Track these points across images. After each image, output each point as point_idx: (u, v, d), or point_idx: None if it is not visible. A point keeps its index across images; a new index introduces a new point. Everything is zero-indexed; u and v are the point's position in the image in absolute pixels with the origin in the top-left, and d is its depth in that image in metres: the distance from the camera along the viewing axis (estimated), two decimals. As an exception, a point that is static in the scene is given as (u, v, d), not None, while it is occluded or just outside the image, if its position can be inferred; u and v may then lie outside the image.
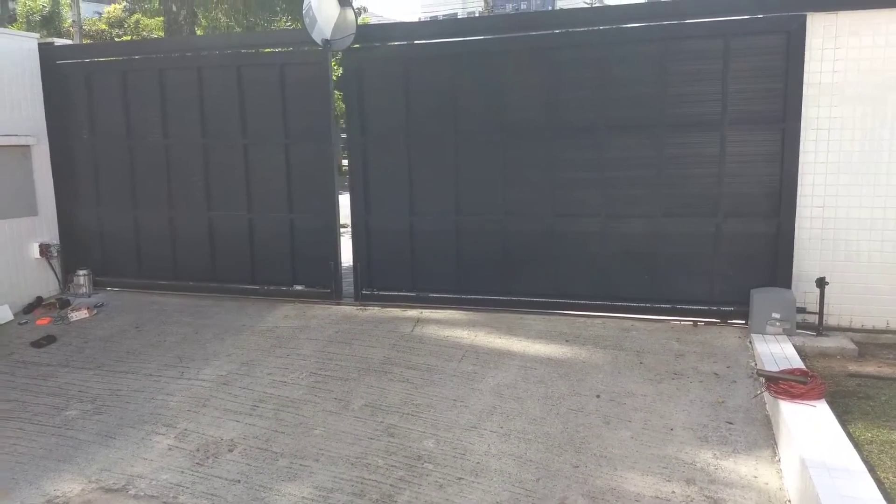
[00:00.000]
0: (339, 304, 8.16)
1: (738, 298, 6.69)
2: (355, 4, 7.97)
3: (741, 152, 6.64)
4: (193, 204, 8.70)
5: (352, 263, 8.22)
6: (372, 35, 8.19)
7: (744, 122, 6.60)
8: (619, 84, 6.95)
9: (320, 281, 8.31)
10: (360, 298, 8.09)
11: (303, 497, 4.23)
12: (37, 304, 8.44)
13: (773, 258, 6.63)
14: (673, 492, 4.11)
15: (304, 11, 7.59)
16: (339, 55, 8.30)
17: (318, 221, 8.28)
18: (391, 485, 4.32)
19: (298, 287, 8.43)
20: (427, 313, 7.58)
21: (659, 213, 6.94)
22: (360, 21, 8.18)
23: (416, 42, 7.96)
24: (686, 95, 6.76)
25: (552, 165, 7.26)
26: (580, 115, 7.10)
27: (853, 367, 5.60)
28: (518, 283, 7.50)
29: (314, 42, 7.69)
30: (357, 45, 7.80)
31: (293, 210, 8.38)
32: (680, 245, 6.89)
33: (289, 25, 13.97)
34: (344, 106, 8.00)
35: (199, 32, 13.54)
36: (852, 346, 6.02)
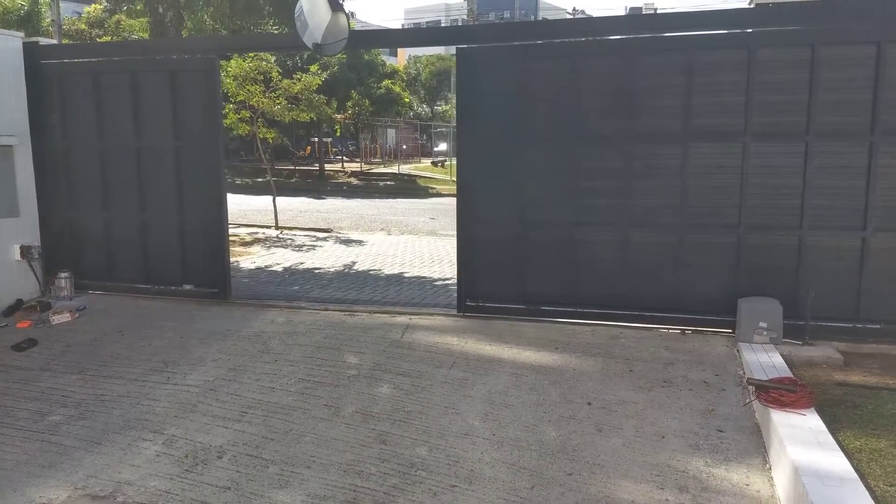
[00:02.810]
0: (226, 304, 8.37)
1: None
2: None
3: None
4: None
5: (456, 274, 8.00)
6: (481, 35, 8.13)
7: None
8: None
9: (209, 281, 8.55)
10: (464, 310, 7.75)
11: (295, 504, 4.19)
12: (17, 307, 8.28)
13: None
14: (666, 500, 4.12)
15: (295, 15, 7.56)
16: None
17: (207, 223, 8.49)
18: (385, 492, 4.29)
19: (187, 287, 8.66)
20: (416, 319, 7.56)
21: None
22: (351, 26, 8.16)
23: (535, 42, 7.73)
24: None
25: (686, 171, 6.94)
26: (720, 119, 6.81)
27: (839, 376, 5.68)
28: (641, 297, 7.14)
29: (304, 46, 7.67)
30: (469, 45, 7.65)
31: (183, 211, 8.59)
32: None
33: (275, 30, 13.92)
34: (456, 109, 7.88)
35: (184, 34, 13.43)
36: (838, 355, 6.10)
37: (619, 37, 7.42)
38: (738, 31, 6.88)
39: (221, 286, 8.62)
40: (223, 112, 16.70)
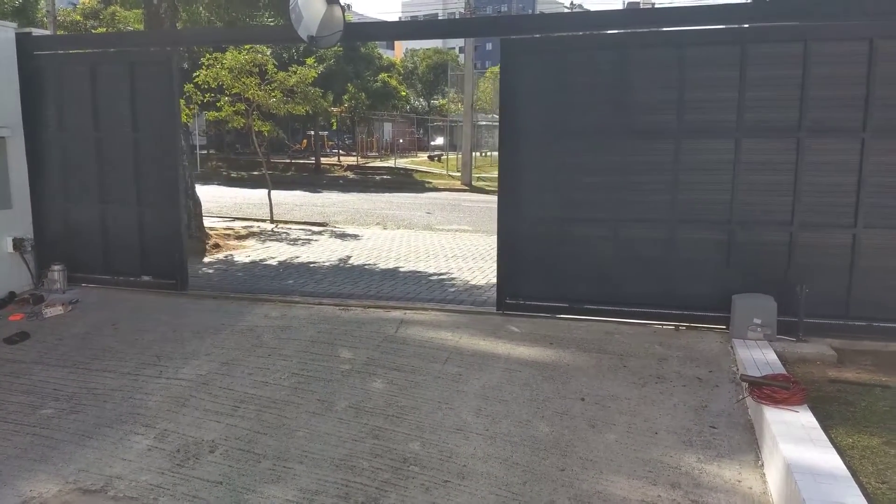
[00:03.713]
0: (183, 295, 8.53)
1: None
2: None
3: None
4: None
5: (496, 270, 7.84)
6: (525, 26, 7.96)
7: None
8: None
9: (166, 273, 8.69)
10: (504, 308, 7.61)
11: (287, 500, 4.17)
12: (9, 300, 8.24)
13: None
14: (659, 496, 4.12)
15: (290, 7, 7.50)
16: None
17: (164, 215, 8.60)
18: (377, 487, 4.28)
19: (146, 278, 8.78)
20: (411, 314, 7.54)
21: None
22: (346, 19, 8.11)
23: (579, 33, 7.59)
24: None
25: (733, 167, 6.79)
26: (774, 114, 6.66)
27: (833, 373, 5.68)
28: (686, 296, 6.99)
29: (299, 38, 7.62)
30: (510, 37, 7.51)
31: (141, 203, 8.72)
32: None
33: (271, 21, 13.83)
34: (499, 102, 7.69)
35: (179, 26, 13.33)
36: (831, 352, 6.11)
37: (670, 28, 7.22)
38: (797, 23, 6.71)
39: (179, 278, 8.73)
40: (219, 105, 16.76)
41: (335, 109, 35.47)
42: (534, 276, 7.51)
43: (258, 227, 15.68)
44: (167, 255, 8.68)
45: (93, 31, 24.17)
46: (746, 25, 6.86)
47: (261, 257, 11.80)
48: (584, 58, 7.23)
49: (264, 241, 13.70)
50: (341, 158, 39.31)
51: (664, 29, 7.28)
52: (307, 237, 14.30)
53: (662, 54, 6.95)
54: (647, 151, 7.04)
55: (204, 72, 15.74)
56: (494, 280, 9.60)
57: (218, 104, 16.86)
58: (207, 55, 16.06)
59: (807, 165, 6.61)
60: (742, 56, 6.66)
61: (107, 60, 8.84)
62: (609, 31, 7.44)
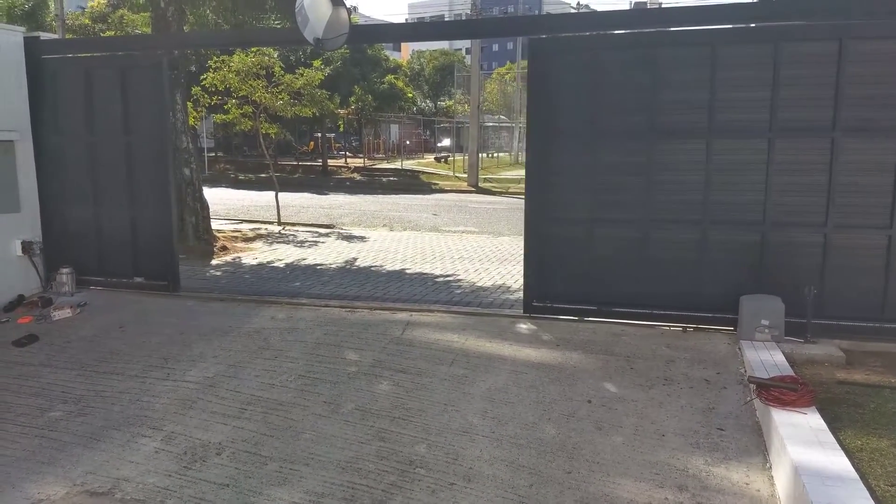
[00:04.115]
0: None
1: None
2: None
3: None
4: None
5: (523, 273, 7.77)
6: (556, 25, 7.87)
7: None
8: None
9: (159, 274, 8.78)
10: (531, 311, 7.50)
11: (293, 502, 4.17)
12: (18, 303, 8.29)
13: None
14: (666, 498, 4.10)
15: (296, 10, 7.52)
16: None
17: (156, 217, 8.72)
18: (383, 490, 4.28)
19: (138, 279, 8.87)
20: (417, 316, 7.54)
21: None
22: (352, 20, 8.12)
23: (609, 32, 7.48)
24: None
25: (767, 168, 6.68)
26: (808, 113, 6.56)
27: (841, 375, 5.64)
28: (719, 298, 6.83)
29: (305, 41, 7.64)
30: (541, 36, 7.43)
31: (133, 206, 8.83)
32: None
33: (278, 24, 13.87)
34: (527, 102, 7.62)
35: (186, 29, 13.39)
36: (840, 353, 6.07)
37: (701, 27, 7.08)
38: (836, 22, 6.56)
39: (171, 279, 8.84)
40: (227, 107, 16.82)
41: (342, 111, 35.56)
42: (561, 279, 7.41)
43: (265, 229, 15.73)
44: (160, 257, 8.80)
45: (101, 34, 24.30)
46: (780, 24, 6.71)
47: (268, 259, 11.83)
48: (613, 57, 7.12)
49: (271, 243, 13.74)
50: (348, 160, 39.37)
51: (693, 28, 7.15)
52: (314, 239, 14.32)
53: (694, 53, 6.85)
54: (676, 152, 6.95)
55: (211, 75, 15.80)
56: (501, 282, 9.66)
57: (225, 107, 16.92)
58: (215, 58, 16.13)
59: (840, 165, 6.50)
60: (775, 54, 6.54)
61: (109, 64, 8.91)
62: (639, 31, 7.33)
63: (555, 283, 7.45)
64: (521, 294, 8.84)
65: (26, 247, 8.60)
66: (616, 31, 7.46)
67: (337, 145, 45.00)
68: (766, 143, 6.67)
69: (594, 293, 7.27)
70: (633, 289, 7.14)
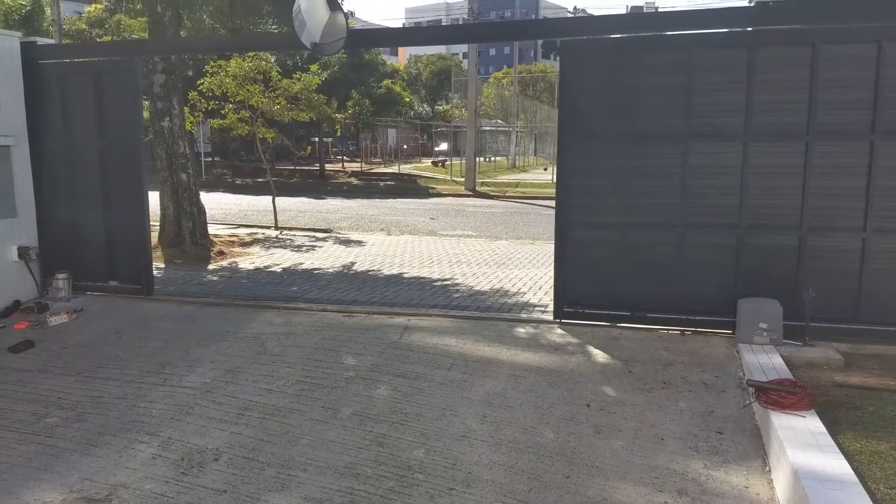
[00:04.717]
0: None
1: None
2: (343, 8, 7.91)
3: None
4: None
5: (553, 279, 7.62)
6: (582, 27, 7.83)
7: None
8: None
9: (132, 277, 8.91)
10: (562, 317, 7.40)
11: (291, 508, 4.16)
12: (14, 308, 8.26)
13: None
14: (665, 502, 4.09)
15: (293, 14, 7.52)
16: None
17: (130, 222, 8.85)
18: (381, 495, 4.26)
19: (113, 283, 8.97)
20: (415, 321, 7.53)
21: None
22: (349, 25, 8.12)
23: (646, 34, 7.31)
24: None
25: (804, 171, 6.57)
26: (846, 116, 6.47)
27: (840, 378, 5.64)
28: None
29: (302, 45, 7.64)
30: (573, 38, 7.37)
31: (108, 209, 8.92)
32: None
33: (275, 29, 13.88)
34: (558, 105, 7.51)
35: (182, 34, 13.39)
36: (838, 356, 6.07)
37: (736, 30, 6.99)
38: (875, 24, 6.46)
39: (145, 283, 8.93)
40: (224, 112, 16.81)
41: (339, 116, 35.54)
42: (592, 284, 7.30)
43: (263, 233, 15.70)
44: (133, 261, 8.92)
45: (98, 39, 24.30)
46: (820, 26, 6.62)
47: (265, 264, 11.80)
48: (646, 59, 7.02)
49: (269, 247, 13.72)
50: (345, 165, 39.38)
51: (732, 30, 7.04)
52: (311, 244, 14.30)
53: (729, 56, 6.77)
54: (712, 154, 6.87)
55: (208, 79, 15.79)
56: (499, 286, 9.65)
57: (222, 112, 16.91)
58: (212, 63, 16.12)
59: (879, 169, 6.42)
60: (813, 58, 6.47)
61: (106, 69, 8.91)
62: (673, 32, 7.20)
63: (586, 288, 7.32)
64: (519, 298, 8.86)
65: (22, 252, 8.57)
66: (649, 34, 7.31)
67: (334, 150, 45.03)
68: (803, 146, 6.57)
69: (626, 298, 7.16)
70: (667, 293, 7.01)
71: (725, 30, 7.05)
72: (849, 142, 6.52)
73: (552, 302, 7.65)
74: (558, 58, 7.65)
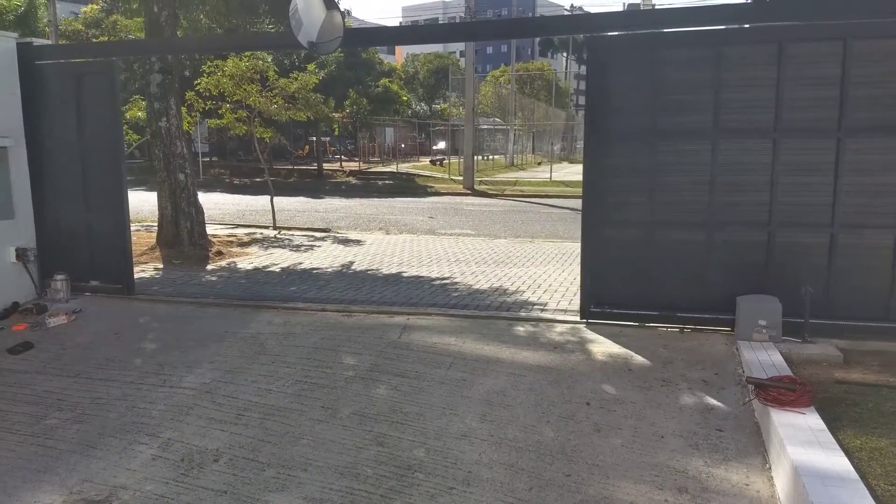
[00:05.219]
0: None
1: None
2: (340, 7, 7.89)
3: None
4: None
5: (580, 278, 7.53)
6: (607, 23, 7.67)
7: None
8: None
9: (113, 277, 9.02)
10: (588, 317, 7.33)
11: (292, 508, 4.15)
12: (13, 310, 8.24)
13: None
14: (666, 500, 4.09)
15: (290, 13, 7.50)
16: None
17: (111, 222, 8.93)
18: (381, 495, 4.25)
19: (94, 283, 9.09)
20: (414, 320, 7.52)
21: None
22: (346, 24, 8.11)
23: (674, 30, 7.21)
24: None
25: (834, 168, 6.53)
26: (867, 113, 6.43)
27: (839, 374, 5.64)
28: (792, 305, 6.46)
29: (299, 45, 7.62)
30: (600, 34, 7.27)
31: (90, 210, 9.01)
32: None
33: (271, 28, 13.88)
34: (585, 102, 7.44)
35: (179, 34, 13.37)
36: (837, 353, 6.07)
37: (768, 24, 6.86)
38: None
39: (125, 282, 9.05)
40: (221, 112, 16.80)
41: (337, 115, 35.54)
42: (620, 283, 7.23)
43: (261, 233, 15.69)
44: (114, 261, 9.01)
45: (94, 39, 24.23)
46: (851, 21, 6.51)
47: (264, 264, 11.79)
48: (675, 56, 6.93)
49: (267, 247, 13.70)
50: (343, 164, 39.36)
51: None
52: (310, 243, 14.29)
53: (758, 52, 6.70)
54: (740, 152, 6.80)
55: (205, 79, 15.77)
56: (498, 284, 9.64)
57: (220, 111, 16.88)
58: (208, 63, 16.10)
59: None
60: (844, 53, 6.41)
61: (96, 70, 8.94)
62: (704, 28, 7.12)
63: (613, 288, 7.26)
64: (518, 297, 8.86)
65: (20, 254, 8.56)
66: (676, 30, 7.22)
67: (332, 149, 45.00)
68: (834, 142, 6.53)
69: (655, 297, 7.11)
70: (699, 294, 6.95)
71: (751, 25, 7.00)
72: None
73: (551, 301, 7.64)
74: (584, 55, 7.52)
